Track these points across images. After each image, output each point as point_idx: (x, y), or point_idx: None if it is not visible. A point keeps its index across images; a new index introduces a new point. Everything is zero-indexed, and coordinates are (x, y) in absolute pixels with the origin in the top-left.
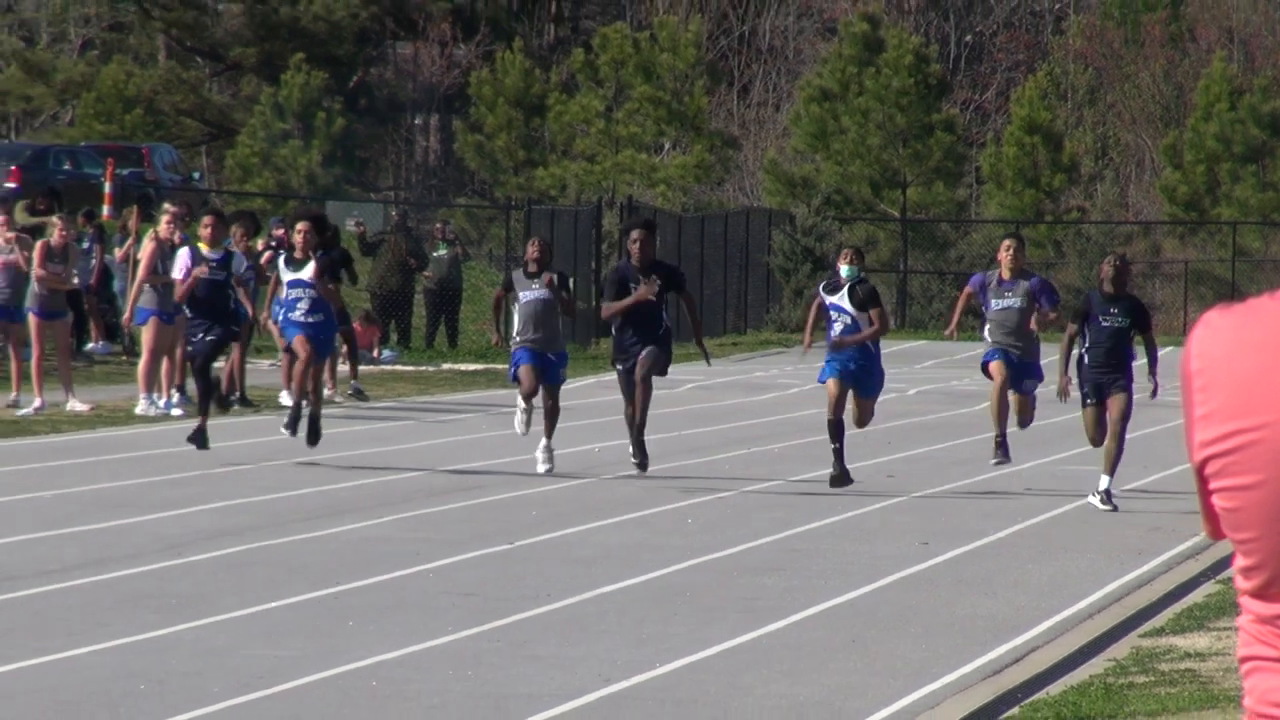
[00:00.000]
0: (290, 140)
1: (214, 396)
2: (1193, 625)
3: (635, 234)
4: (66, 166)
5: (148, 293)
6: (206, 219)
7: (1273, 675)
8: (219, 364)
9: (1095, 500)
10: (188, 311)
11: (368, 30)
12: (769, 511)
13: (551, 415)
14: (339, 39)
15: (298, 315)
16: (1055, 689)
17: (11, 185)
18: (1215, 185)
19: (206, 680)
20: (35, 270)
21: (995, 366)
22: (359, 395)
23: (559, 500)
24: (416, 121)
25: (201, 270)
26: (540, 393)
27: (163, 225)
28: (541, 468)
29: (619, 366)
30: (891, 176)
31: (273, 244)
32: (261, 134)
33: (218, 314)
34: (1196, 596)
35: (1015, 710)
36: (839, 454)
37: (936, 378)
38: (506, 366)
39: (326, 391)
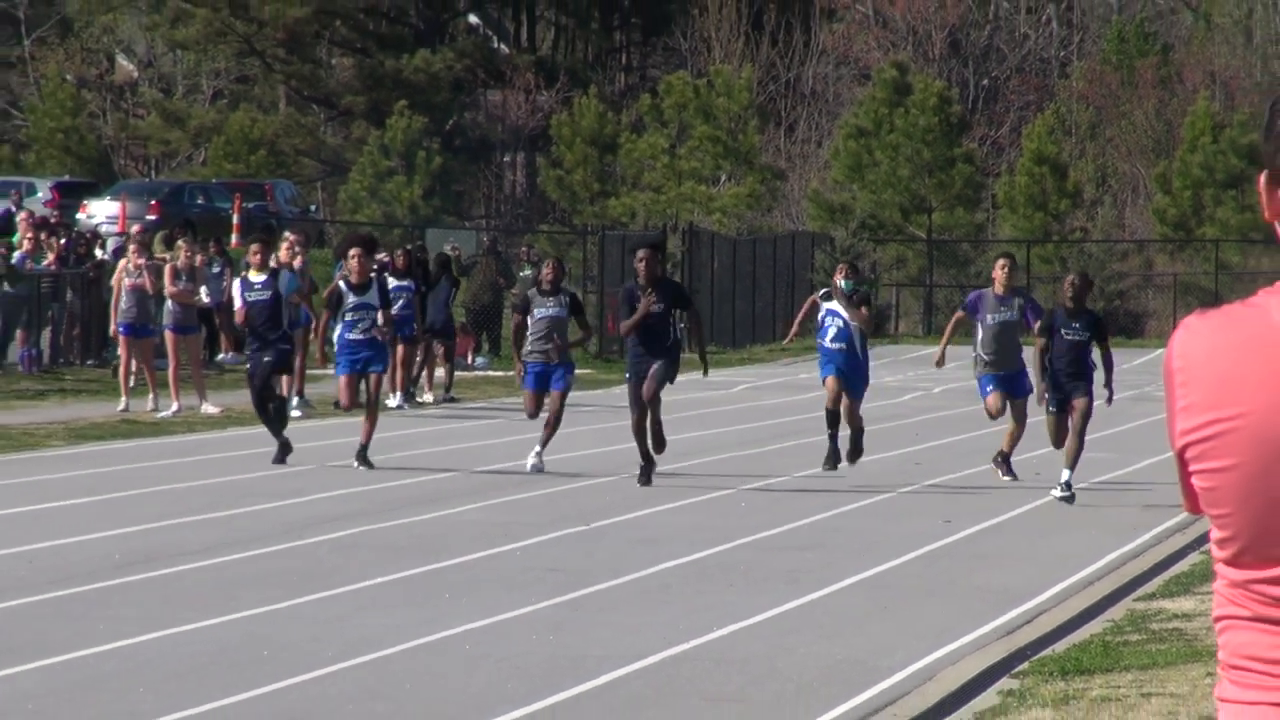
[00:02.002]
0: (395, 176)
1: (274, 413)
2: (1180, 590)
3: (641, 253)
4: (199, 201)
5: None
6: (254, 246)
7: (1244, 632)
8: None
9: (1057, 493)
10: (248, 333)
11: (462, 80)
12: (810, 496)
13: (551, 425)
14: (437, 88)
15: (355, 334)
16: (1060, 647)
17: (152, 217)
18: (1200, 208)
19: (322, 646)
20: (167, 288)
21: (993, 400)
22: (450, 400)
23: (629, 488)
24: (505, 159)
25: (239, 306)
26: (545, 403)
27: (283, 250)
28: (529, 465)
29: (629, 375)
30: (919, 203)
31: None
32: (370, 171)
33: (269, 332)
34: (1183, 565)
35: (1025, 665)
36: (834, 439)
37: (958, 377)
38: (585, 372)
39: (426, 396)
